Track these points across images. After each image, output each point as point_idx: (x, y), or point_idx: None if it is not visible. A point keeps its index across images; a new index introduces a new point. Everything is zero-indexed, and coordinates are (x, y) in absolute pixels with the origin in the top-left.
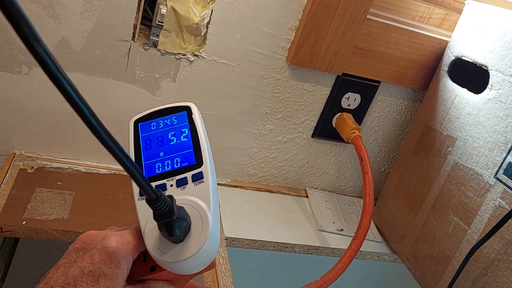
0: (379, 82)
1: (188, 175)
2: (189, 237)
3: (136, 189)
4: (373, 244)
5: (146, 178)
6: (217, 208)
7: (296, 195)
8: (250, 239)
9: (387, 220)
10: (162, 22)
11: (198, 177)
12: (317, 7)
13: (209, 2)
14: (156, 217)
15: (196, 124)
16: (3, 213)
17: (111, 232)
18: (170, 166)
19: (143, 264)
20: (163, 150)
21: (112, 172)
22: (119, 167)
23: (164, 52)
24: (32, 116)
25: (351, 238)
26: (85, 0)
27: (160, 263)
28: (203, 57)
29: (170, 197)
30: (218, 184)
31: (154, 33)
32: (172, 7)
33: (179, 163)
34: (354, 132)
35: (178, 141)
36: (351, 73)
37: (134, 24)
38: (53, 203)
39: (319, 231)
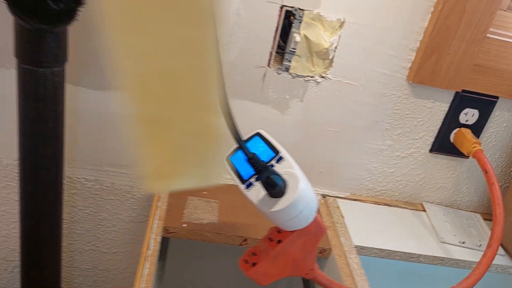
0: (497, 97)
1: (273, 162)
2: (287, 190)
3: (241, 187)
4: (496, 257)
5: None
6: (303, 175)
7: (413, 209)
8: (378, 248)
9: (508, 234)
10: (295, 49)
11: (279, 159)
12: (439, 28)
13: (337, 28)
14: (258, 172)
15: (268, 138)
16: (166, 217)
17: None
18: None
19: (271, 242)
20: None
21: None
22: None
23: (294, 75)
24: None
25: (474, 250)
26: (230, 33)
27: (269, 216)
28: (329, 78)
29: (264, 162)
30: (337, 197)
31: (287, 59)
32: (305, 35)
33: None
34: (476, 146)
35: (259, 152)
36: (470, 89)
37: (270, 52)
38: (204, 209)
39: (442, 243)
